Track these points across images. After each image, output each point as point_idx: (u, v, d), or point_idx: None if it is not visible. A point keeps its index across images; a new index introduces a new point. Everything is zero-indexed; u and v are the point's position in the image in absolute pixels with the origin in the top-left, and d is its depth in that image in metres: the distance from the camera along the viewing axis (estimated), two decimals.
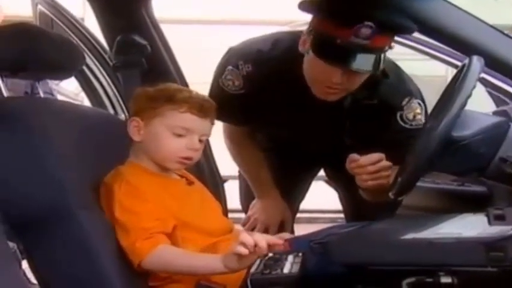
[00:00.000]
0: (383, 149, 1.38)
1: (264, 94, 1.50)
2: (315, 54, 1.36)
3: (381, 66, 1.37)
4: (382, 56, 1.36)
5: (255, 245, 1.08)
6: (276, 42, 1.50)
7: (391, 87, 1.45)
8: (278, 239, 1.14)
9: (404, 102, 1.45)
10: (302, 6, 1.36)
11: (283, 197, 1.67)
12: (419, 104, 1.47)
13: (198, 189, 1.39)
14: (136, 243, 1.18)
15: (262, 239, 1.10)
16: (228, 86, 1.53)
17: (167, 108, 1.26)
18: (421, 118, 1.47)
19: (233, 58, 1.54)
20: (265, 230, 1.62)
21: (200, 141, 1.29)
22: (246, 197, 1.75)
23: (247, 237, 1.09)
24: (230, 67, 1.53)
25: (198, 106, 1.27)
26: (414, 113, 1.45)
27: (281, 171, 1.68)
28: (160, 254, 1.18)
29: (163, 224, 1.21)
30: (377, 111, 1.47)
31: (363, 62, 1.33)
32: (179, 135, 1.26)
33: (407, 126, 1.46)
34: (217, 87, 1.56)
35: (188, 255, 1.20)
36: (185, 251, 1.21)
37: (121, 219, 1.20)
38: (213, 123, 1.33)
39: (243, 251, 1.08)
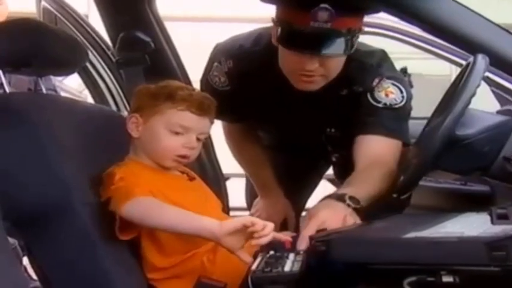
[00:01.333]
0: (362, 131, 1.37)
1: (248, 90, 1.50)
2: (282, 44, 1.37)
3: (353, 49, 1.35)
4: (354, 38, 1.34)
5: (261, 228, 1.09)
6: (258, 37, 1.50)
7: (360, 72, 1.44)
8: (285, 237, 1.15)
9: (374, 83, 1.43)
10: None
11: (288, 196, 1.67)
12: (393, 84, 1.44)
13: (198, 185, 1.39)
14: (121, 194, 1.17)
15: (270, 227, 1.11)
16: (216, 83, 1.54)
17: (167, 106, 1.27)
18: (395, 97, 1.43)
19: (218, 54, 1.55)
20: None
21: (198, 139, 1.30)
22: (251, 195, 1.74)
23: (258, 219, 1.11)
24: (216, 63, 1.54)
25: (197, 104, 1.27)
26: (386, 91, 1.43)
27: (286, 170, 1.68)
28: (141, 201, 1.17)
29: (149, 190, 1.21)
30: (350, 98, 1.46)
31: (330, 46, 1.33)
32: (177, 133, 1.26)
33: (380, 105, 1.43)
34: (206, 84, 1.56)
35: (171, 208, 1.18)
36: (171, 205, 1.20)
37: (113, 187, 1.20)
38: (212, 122, 1.34)
39: (248, 223, 1.09)
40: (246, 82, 1.50)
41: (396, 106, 1.43)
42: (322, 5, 1.28)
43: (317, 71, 1.36)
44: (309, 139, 1.58)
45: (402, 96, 1.44)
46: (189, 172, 1.38)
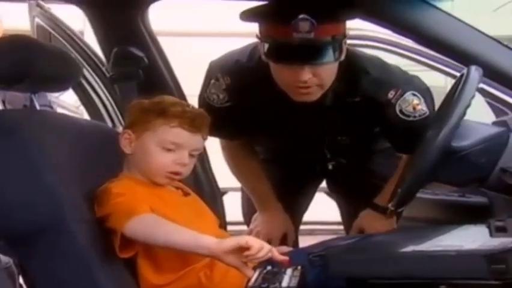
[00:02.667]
0: (395, 140, 1.44)
1: (248, 104, 1.50)
2: (270, 59, 1.39)
3: (343, 55, 1.37)
4: (341, 44, 1.36)
5: (258, 249, 1.08)
6: (253, 51, 1.50)
7: (373, 82, 1.46)
8: (283, 257, 1.13)
9: (390, 96, 1.45)
10: (243, 17, 1.39)
11: (286, 209, 1.66)
12: (414, 95, 1.46)
13: (193, 201, 1.38)
14: (122, 211, 1.16)
15: (265, 250, 1.09)
16: (214, 100, 1.53)
17: (159, 123, 1.26)
18: (422, 108, 1.46)
19: (214, 71, 1.55)
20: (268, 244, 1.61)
21: (191, 155, 1.29)
22: (249, 210, 1.73)
23: (256, 239, 1.10)
24: (212, 80, 1.54)
25: (189, 121, 1.26)
26: (412, 105, 1.45)
27: (283, 183, 1.67)
28: (144, 220, 1.16)
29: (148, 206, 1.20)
30: (363, 107, 1.47)
31: (317, 55, 1.33)
32: (169, 150, 1.26)
33: (410, 119, 1.45)
34: (203, 102, 1.56)
35: (173, 226, 1.17)
36: (172, 223, 1.18)
37: (112, 203, 1.19)
38: (205, 138, 1.33)
39: (244, 244, 1.07)
40: (246, 96, 1.50)
41: (426, 115, 1.46)
42: (301, 16, 1.29)
43: (312, 82, 1.37)
44: (311, 148, 1.58)
45: (427, 103, 1.47)
46: (183, 188, 1.37)
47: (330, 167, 1.62)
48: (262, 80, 1.44)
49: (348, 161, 1.63)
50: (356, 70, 1.45)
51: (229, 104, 1.52)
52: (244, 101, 1.51)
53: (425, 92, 1.49)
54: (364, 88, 1.46)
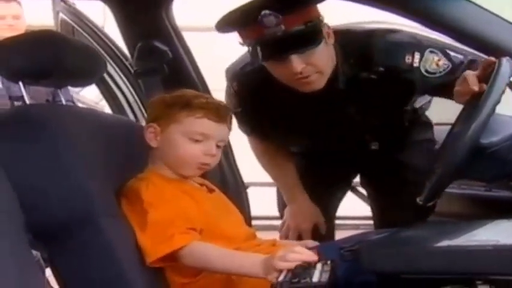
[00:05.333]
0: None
1: (262, 107, 1.53)
2: (258, 61, 1.41)
3: (329, 38, 1.39)
4: (319, 28, 1.37)
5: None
6: None
7: (384, 52, 1.45)
8: (310, 255, 1.12)
9: (408, 60, 1.44)
10: (218, 28, 1.42)
11: (317, 203, 1.65)
12: (432, 52, 1.45)
13: (218, 197, 1.37)
14: (174, 235, 1.16)
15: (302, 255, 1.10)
16: (230, 106, 1.54)
17: (184, 115, 1.25)
18: (444, 62, 1.46)
19: (227, 77, 1.59)
20: (299, 237, 1.60)
21: (218, 146, 1.28)
22: (282, 203, 1.73)
23: (301, 250, 1.11)
24: (227, 88, 1.59)
25: (214, 111, 1.26)
26: (435, 62, 1.45)
27: (315, 178, 1.66)
28: (195, 248, 1.16)
29: (192, 223, 1.20)
30: (383, 82, 1.46)
31: (298, 43, 1.35)
32: (196, 141, 1.25)
33: (437, 74, 1.45)
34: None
35: (224, 252, 1.18)
36: (221, 248, 1.19)
37: (153, 218, 1.18)
38: (229, 129, 1.32)
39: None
40: (256, 101, 1.52)
41: (450, 67, 1.45)
42: (263, 12, 1.32)
43: (308, 70, 1.38)
44: (344, 135, 1.57)
45: (447, 55, 1.46)
46: (208, 184, 1.36)
47: (373, 147, 1.60)
48: (269, 80, 1.45)
49: (383, 145, 1.61)
50: (360, 46, 1.45)
51: (240, 110, 1.54)
52: (255, 104, 1.52)
53: (439, 47, 1.48)
54: (376, 61, 1.45)
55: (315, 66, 1.39)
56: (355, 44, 1.45)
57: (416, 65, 1.44)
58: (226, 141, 1.36)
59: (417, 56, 1.44)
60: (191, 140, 1.25)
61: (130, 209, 1.22)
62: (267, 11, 1.31)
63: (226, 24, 1.42)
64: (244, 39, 1.41)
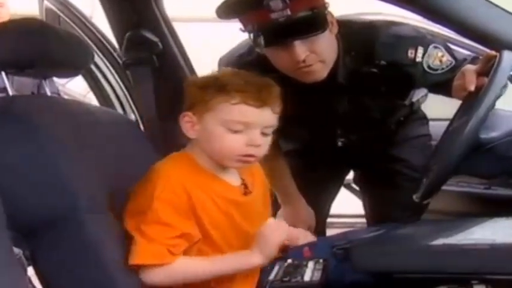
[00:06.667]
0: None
1: None
2: (260, 47, 1.38)
3: (332, 27, 1.38)
4: (324, 16, 1.36)
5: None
6: (251, 44, 1.48)
7: (387, 46, 1.43)
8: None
9: (410, 55, 1.42)
10: (219, 14, 1.39)
11: (311, 204, 1.63)
12: (436, 47, 1.44)
13: (252, 200, 1.20)
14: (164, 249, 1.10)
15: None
16: None
17: (218, 101, 1.09)
18: (448, 58, 1.45)
19: (221, 67, 1.53)
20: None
21: (264, 134, 1.12)
22: (277, 204, 1.70)
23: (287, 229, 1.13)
24: None
25: (254, 95, 1.10)
26: (438, 57, 1.44)
27: (308, 173, 1.65)
28: (172, 270, 1.10)
29: (187, 240, 1.12)
30: (384, 75, 1.44)
31: (304, 28, 1.33)
32: (236, 131, 1.10)
33: (439, 71, 1.44)
34: None
35: (211, 262, 1.13)
36: (203, 259, 1.14)
37: (153, 218, 1.10)
38: (275, 112, 1.14)
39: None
40: None
41: (453, 64, 1.44)
42: None
43: (311, 59, 1.36)
44: (340, 125, 1.56)
45: (450, 52, 1.46)
46: (249, 184, 1.20)
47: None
48: (266, 71, 1.39)
49: (376, 140, 1.59)
50: (363, 38, 1.43)
51: None
52: None
53: (443, 43, 1.47)
54: (378, 54, 1.43)
55: (319, 55, 1.37)
56: (357, 36, 1.43)
57: (418, 59, 1.42)
58: (275, 126, 1.16)
59: (420, 50, 1.42)
60: (230, 131, 1.10)
61: (139, 196, 1.12)
62: None
63: (229, 8, 1.37)
64: (246, 25, 1.38)
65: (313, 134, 1.58)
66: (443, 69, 1.43)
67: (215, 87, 1.11)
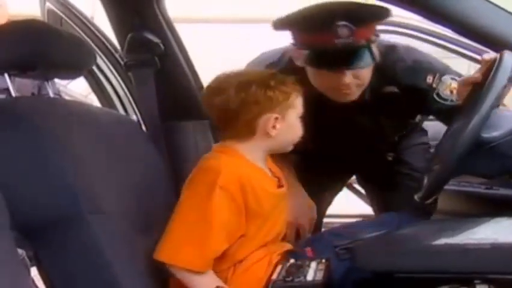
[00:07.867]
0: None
1: None
2: (311, 66, 1.41)
3: (377, 53, 1.41)
4: (375, 45, 1.39)
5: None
6: (283, 53, 1.51)
7: (409, 70, 1.47)
8: None
9: (429, 81, 1.46)
10: (276, 26, 1.40)
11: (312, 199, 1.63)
12: (452, 78, 1.47)
13: (283, 194, 1.34)
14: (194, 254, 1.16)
15: None
16: None
17: (294, 97, 1.27)
18: None
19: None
20: (297, 232, 1.57)
21: None
22: None
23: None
24: None
25: (294, 85, 1.28)
26: (450, 88, 1.46)
27: (311, 174, 1.65)
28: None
29: (228, 240, 1.20)
30: (402, 97, 1.48)
31: (358, 58, 1.36)
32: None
33: (448, 102, 1.46)
34: None
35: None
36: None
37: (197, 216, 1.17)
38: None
39: None
40: None
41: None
42: (341, 23, 1.31)
43: (353, 83, 1.40)
44: (357, 145, 1.59)
45: None
46: (282, 179, 1.34)
47: (389, 158, 1.64)
48: (297, 82, 1.43)
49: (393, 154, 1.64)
50: (389, 60, 1.46)
51: None
52: None
53: (460, 76, 1.48)
54: (401, 77, 1.47)
55: (361, 80, 1.41)
56: (382, 58, 1.45)
57: (434, 85, 1.46)
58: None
59: (437, 77, 1.46)
60: (299, 120, 1.29)
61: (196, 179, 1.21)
62: (344, 22, 1.32)
63: (291, 24, 1.40)
64: (303, 42, 1.40)
65: (325, 143, 1.59)
66: (452, 101, 1.46)
67: (279, 85, 1.26)
